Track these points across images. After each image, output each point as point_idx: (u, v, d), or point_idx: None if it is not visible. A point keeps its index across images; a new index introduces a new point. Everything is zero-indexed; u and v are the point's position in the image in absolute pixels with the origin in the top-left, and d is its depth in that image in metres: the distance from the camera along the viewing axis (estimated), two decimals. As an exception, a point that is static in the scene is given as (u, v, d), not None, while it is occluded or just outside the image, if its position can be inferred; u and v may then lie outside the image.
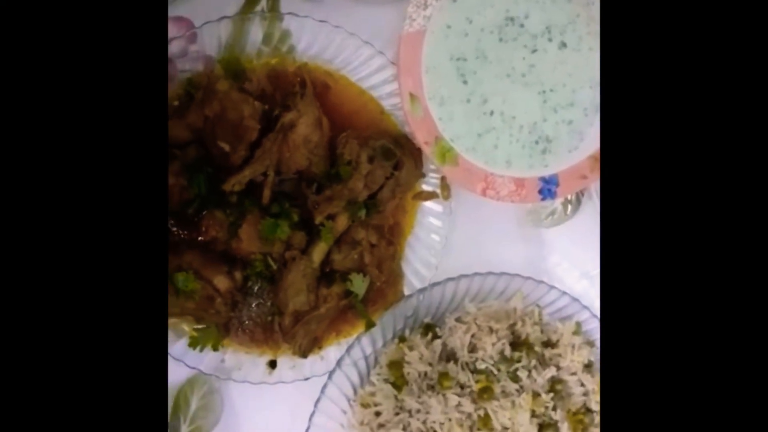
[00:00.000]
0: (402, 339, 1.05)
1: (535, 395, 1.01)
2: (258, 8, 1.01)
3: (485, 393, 0.99)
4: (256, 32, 1.00)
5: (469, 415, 0.99)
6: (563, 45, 1.01)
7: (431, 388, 1.01)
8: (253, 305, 1.03)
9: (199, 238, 0.98)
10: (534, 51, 1.01)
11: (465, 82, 1.00)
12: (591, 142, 1.03)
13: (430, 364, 1.02)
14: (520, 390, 1.01)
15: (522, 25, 1.00)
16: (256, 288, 1.02)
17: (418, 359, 1.02)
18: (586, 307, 1.09)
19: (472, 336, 1.03)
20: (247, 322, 1.03)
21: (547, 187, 1.03)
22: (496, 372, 1.01)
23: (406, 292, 1.07)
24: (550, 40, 1.01)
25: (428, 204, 1.07)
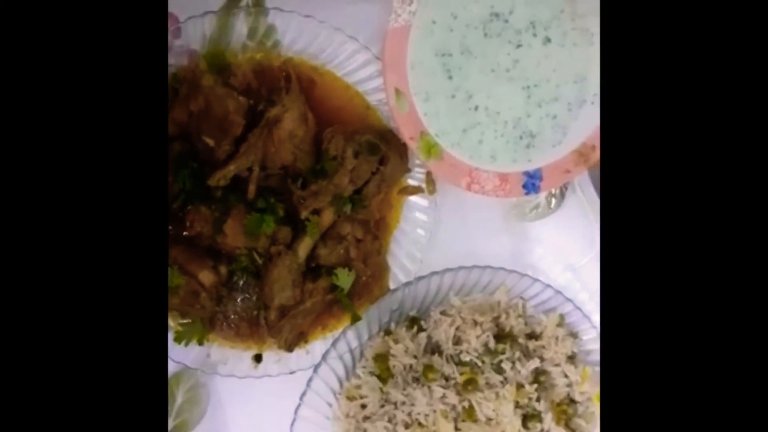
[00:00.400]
0: (387, 332, 1.06)
1: (519, 386, 1.02)
2: (243, 3, 1.01)
3: (470, 385, 1.00)
4: (240, 27, 1.00)
5: (454, 407, 1.00)
6: (547, 40, 1.02)
7: (416, 380, 1.02)
8: (239, 300, 1.03)
9: (184, 233, 0.99)
10: (518, 46, 1.01)
11: (450, 78, 1.00)
12: (574, 136, 1.04)
13: (415, 357, 1.03)
14: (504, 381, 1.02)
15: (506, 21, 1.00)
16: (241, 283, 1.02)
17: (403, 352, 1.03)
18: (569, 300, 1.10)
19: (457, 329, 1.04)
20: (232, 317, 1.04)
21: (531, 182, 1.04)
22: (480, 364, 1.02)
23: (392, 286, 1.07)
24: (534, 35, 1.01)
25: (414, 198, 1.08)
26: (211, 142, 0.95)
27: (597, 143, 1.03)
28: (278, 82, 1.00)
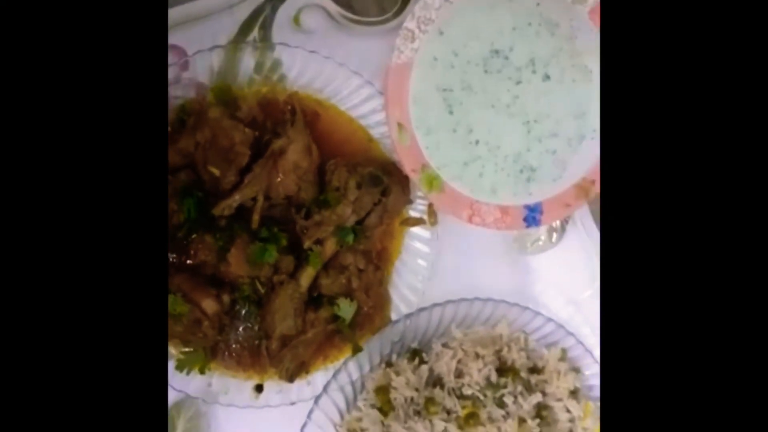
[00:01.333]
0: (389, 364, 1.06)
1: (521, 421, 1.02)
2: (250, 38, 1.04)
3: (471, 419, 1.00)
4: (247, 61, 1.02)
5: (455, 441, 0.99)
6: (547, 77, 1.04)
7: (417, 413, 1.02)
8: (241, 329, 1.04)
9: (188, 262, 0.99)
10: (518, 83, 1.03)
11: (451, 113, 1.02)
12: (574, 171, 1.05)
13: (417, 390, 1.03)
14: (506, 416, 1.01)
15: (506, 58, 1.03)
16: (243, 312, 1.03)
17: (404, 384, 1.03)
18: (571, 334, 1.10)
19: (459, 361, 1.04)
20: (234, 346, 1.04)
21: (532, 215, 1.05)
22: (482, 397, 1.02)
23: (393, 317, 1.07)
24: (534, 72, 1.04)
25: (415, 230, 1.09)
26: (216, 172, 0.96)
27: (596, 178, 1.04)
28: (283, 115, 1.02)
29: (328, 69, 1.03)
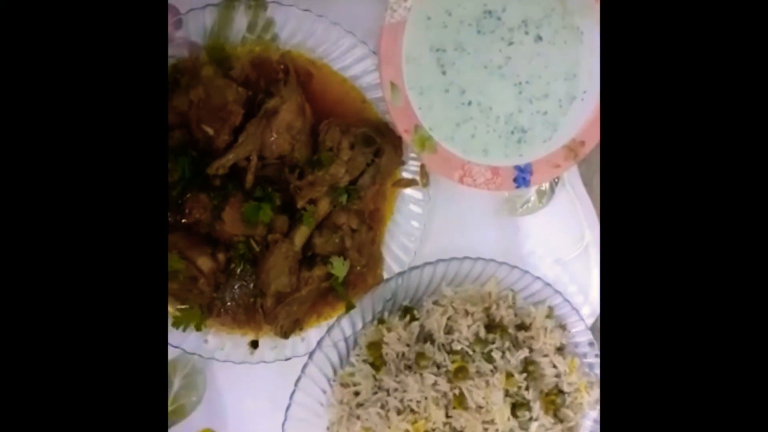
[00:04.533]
0: (381, 321, 1.08)
1: (509, 375, 1.04)
2: (243, -3, 1.03)
3: (460, 372, 1.02)
4: (240, 20, 1.02)
5: (445, 394, 1.02)
6: (539, 38, 1.04)
7: (408, 368, 1.04)
8: (236, 287, 1.05)
9: (183, 221, 1.00)
10: (510, 44, 1.04)
11: (444, 73, 1.03)
12: (564, 132, 1.06)
13: (408, 345, 1.05)
14: (494, 370, 1.04)
15: (499, 18, 1.03)
16: (238, 270, 1.04)
17: (396, 340, 1.05)
18: (558, 292, 1.12)
19: (449, 318, 1.06)
20: (229, 303, 1.05)
21: (522, 176, 1.06)
22: (471, 353, 1.04)
23: (386, 276, 1.09)
24: (526, 33, 1.04)
25: (408, 191, 1.10)
26: (210, 131, 0.97)
27: (586, 139, 1.06)
28: (276, 75, 1.02)
29: (321, 28, 1.03)
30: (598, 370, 1.14)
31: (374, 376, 1.05)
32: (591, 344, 1.14)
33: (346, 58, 1.05)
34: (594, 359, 1.14)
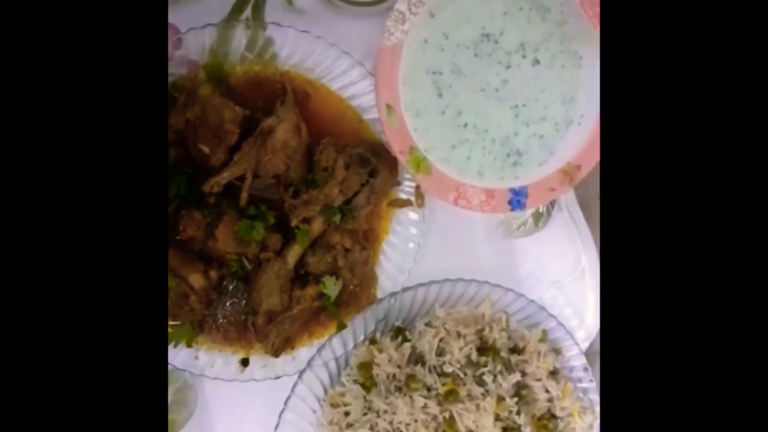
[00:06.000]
0: (373, 341, 1.08)
1: (500, 399, 1.04)
2: (243, 17, 1.04)
3: (451, 396, 1.02)
4: (239, 39, 1.03)
5: (435, 417, 1.02)
6: (536, 62, 1.05)
7: (399, 389, 1.04)
8: (228, 304, 1.06)
9: (177, 237, 1.01)
10: (508, 67, 1.04)
11: (440, 95, 1.03)
12: (560, 156, 1.06)
13: (399, 367, 1.05)
14: (486, 393, 1.04)
15: (497, 42, 1.03)
16: (231, 287, 1.05)
17: (387, 361, 1.05)
18: (552, 316, 1.12)
19: (441, 340, 1.06)
20: (221, 321, 1.06)
21: (517, 199, 1.06)
22: (462, 375, 1.04)
23: (380, 296, 1.09)
24: (524, 56, 1.04)
25: (403, 211, 1.10)
26: (206, 149, 0.97)
27: (582, 163, 1.06)
28: (274, 94, 1.03)
29: (319, 49, 1.04)
30: (592, 395, 1.13)
31: (364, 397, 1.04)
32: (586, 369, 1.13)
33: (344, 78, 1.06)
34: (589, 384, 1.13)
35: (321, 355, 1.05)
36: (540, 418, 1.08)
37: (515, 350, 1.10)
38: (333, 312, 1.05)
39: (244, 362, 1.07)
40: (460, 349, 1.05)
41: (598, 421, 1.11)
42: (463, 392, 1.03)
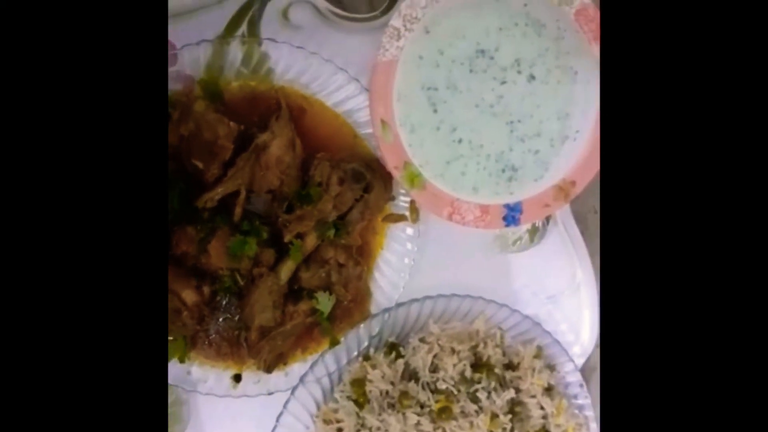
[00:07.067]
0: (366, 357, 1.07)
1: (494, 416, 1.03)
2: (238, 33, 1.05)
3: (444, 413, 1.01)
4: (235, 55, 1.03)
5: (428, 434, 1.02)
6: (532, 77, 1.05)
7: (392, 406, 1.04)
8: (220, 320, 1.05)
9: (170, 252, 1.01)
10: (503, 83, 1.04)
11: (435, 111, 1.03)
12: (555, 172, 1.06)
13: (392, 383, 1.05)
14: (479, 410, 1.03)
15: (492, 58, 1.03)
16: (223, 303, 1.05)
17: (380, 378, 1.05)
18: (547, 332, 1.11)
19: (435, 356, 1.06)
20: (213, 336, 1.06)
21: (512, 214, 1.06)
22: (456, 392, 1.04)
23: (374, 311, 1.09)
24: (519, 72, 1.04)
25: (398, 226, 1.10)
26: (200, 164, 0.97)
27: (577, 179, 1.05)
28: (269, 110, 1.03)
29: (314, 65, 1.04)
30: (587, 412, 1.12)
31: (357, 414, 1.04)
32: (581, 385, 1.12)
33: (339, 94, 1.06)
34: (584, 400, 1.13)
35: (314, 371, 1.05)
36: (534, 435, 1.08)
37: (510, 366, 1.10)
38: (326, 328, 1.05)
39: (237, 378, 1.06)
40: (454, 365, 1.05)
41: (592, 437, 1.10)
42: (456, 409, 1.02)
